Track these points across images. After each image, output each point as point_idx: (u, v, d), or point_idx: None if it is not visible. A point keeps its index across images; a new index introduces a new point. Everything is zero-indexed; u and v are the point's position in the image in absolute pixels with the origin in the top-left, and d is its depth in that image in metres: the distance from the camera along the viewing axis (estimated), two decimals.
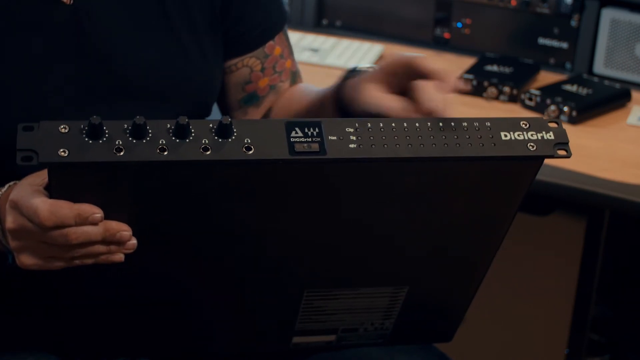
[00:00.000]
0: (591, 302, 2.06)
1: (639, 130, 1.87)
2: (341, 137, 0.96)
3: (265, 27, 1.35)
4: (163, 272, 1.08)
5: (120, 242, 0.99)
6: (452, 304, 1.22)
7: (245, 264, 1.08)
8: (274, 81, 1.37)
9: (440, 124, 0.99)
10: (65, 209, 0.95)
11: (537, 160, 1.00)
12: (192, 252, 1.05)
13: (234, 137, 0.94)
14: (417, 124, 0.98)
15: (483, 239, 1.11)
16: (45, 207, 0.96)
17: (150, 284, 1.09)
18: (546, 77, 2.05)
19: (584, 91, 1.92)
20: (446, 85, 1.04)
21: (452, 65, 2.10)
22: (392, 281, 1.15)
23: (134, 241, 0.99)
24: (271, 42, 1.36)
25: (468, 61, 2.10)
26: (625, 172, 1.72)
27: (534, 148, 0.99)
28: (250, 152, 0.94)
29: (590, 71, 2.07)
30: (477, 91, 1.97)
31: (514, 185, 1.04)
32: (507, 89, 1.95)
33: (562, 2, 2.06)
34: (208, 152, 0.93)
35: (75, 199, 0.96)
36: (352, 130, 0.97)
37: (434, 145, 0.97)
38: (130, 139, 0.92)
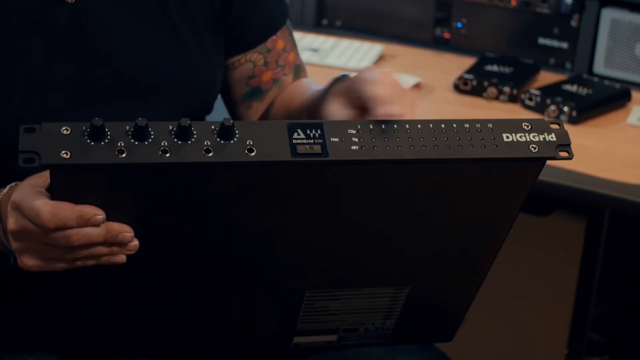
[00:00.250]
0: (591, 302, 2.06)
1: (639, 130, 1.86)
2: (343, 139, 0.96)
3: (266, 24, 1.35)
4: (164, 272, 1.07)
5: (122, 244, 0.99)
6: (453, 305, 1.22)
7: (246, 265, 1.08)
8: (277, 75, 1.37)
9: (442, 126, 0.99)
10: (67, 210, 0.95)
11: (539, 162, 1.00)
12: (194, 253, 1.05)
13: (236, 139, 0.94)
14: (419, 126, 0.98)
15: (484, 239, 1.11)
16: (47, 208, 0.96)
17: (152, 285, 1.09)
18: (546, 77, 2.05)
19: (584, 91, 1.92)
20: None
21: (452, 65, 2.10)
22: (394, 282, 1.15)
23: (135, 242, 0.99)
24: (274, 37, 1.36)
25: (468, 61, 2.10)
26: (625, 172, 1.72)
27: (536, 150, 0.99)
28: (252, 153, 0.94)
29: (590, 71, 2.07)
30: (477, 91, 1.96)
31: (515, 186, 1.04)
32: (507, 89, 1.95)
33: (562, 2, 2.06)
34: (210, 154, 0.93)
35: (77, 200, 0.96)
36: (354, 131, 0.97)
37: (435, 147, 0.97)
38: (132, 140, 0.92)
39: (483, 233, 1.10)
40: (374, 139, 0.97)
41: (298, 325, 1.18)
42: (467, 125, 0.99)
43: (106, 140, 0.92)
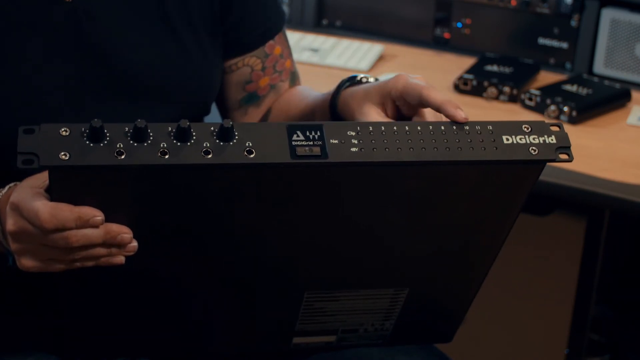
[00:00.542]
0: (591, 302, 2.06)
1: (639, 130, 1.86)
2: (343, 141, 0.96)
3: (265, 28, 1.35)
4: (163, 273, 1.07)
5: (121, 245, 0.99)
6: (453, 305, 1.22)
7: (245, 266, 1.08)
8: (275, 80, 1.38)
9: (442, 128, 0.99)
10: (66, 211, 0.95)
11: (539, 164, 1.00)
12: (193, 254, 1.05)
13: (235, 141, 0.94)
14: (418, 128, 0.98)
15: (484, 241, 1.11)
16: (46, 209, 0.95)
17: (151, 285, 1.09)
18: (546, 77, 2.05)
19: (584, 91, 1.92)
20: (454, 117, 1.03)
21: (452, 65, 2.10)
22: (393, 283, 1.15)
23: (134, 243, 0.99)
24: (271, 42, 1.36)
25: (468, 61, 2.10)
26: (625, 172, 1.72)
27: (536, 152, 0.99)
28: (252, 155, 0.93)
29: (590, 71, 2.07)
30: (477, 91, 1.97)
31: (515, 188, 1.04)
32: (507, 89, 1.95)
33: (562, 2, 2.06)
34: (209, 156, 0.93)
35: (76, 201, 0.96)
36: (353, 133, 0.97)
37: (435, 149, 0.97)
38: (131, 142, 0.92)
39: (483, 235, 1.10)
40: (373, 141, 0.96)
41: (297, 325, 1.18)
42: (467, 127, 0.99)
43: (105, 142, 0.92)
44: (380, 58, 2.14)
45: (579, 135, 1.82)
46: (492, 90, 1.96)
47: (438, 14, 2.18)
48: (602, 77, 2.03)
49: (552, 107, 1.87)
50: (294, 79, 1.41)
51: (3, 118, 1.16)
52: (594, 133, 1.85)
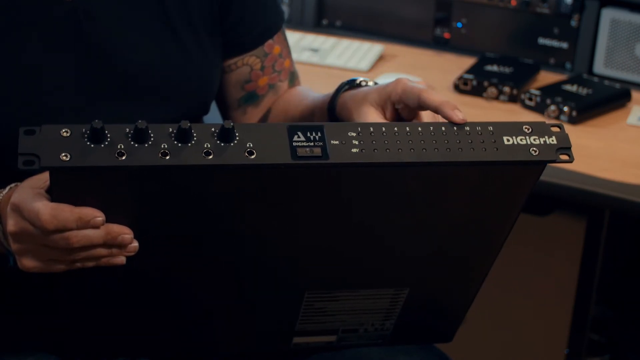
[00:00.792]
0: (591, 302, 2.06)
1: (639, 130, 1.86)
2: (343, 142, 0.96)
3: (264, 27, 1.35)
4: (164, 273, 1.07)
5: (121, 245, 0.99)
6: (453, 305, 1.22)
7: (246, 266, 1.08)
8: (273, 80, 1.38)
9: (443, 129, 0.99)
10: (66, 212, 0.95)
11: (539, 165, 1.00)
12: (193, 254, 1.05)
13: (236, 142, 0.94)
14: (419, 129, 0.98)
15: (484, 242, 1.11)
16: (46, 210, 0.95)
17: (151, 285, 1.09)
18: (546, 77, 2.05)
19: (584, 91, 1.92)
20: (451, 118, 1.04)
21: (452, 65, 2.10)
22: (393, 283, 1.15)
23: (135, 244, 0.99)
24: (270, 41, 1.36)
25: (468, 61, 2.10)
26: (625, 172, 1.72)
27: (537, 153, 0.99)
28: (253, 156, 0.93)
29: (590, 71, 2.07)
30: (477, 91, 1.96)
31: (515, 189, 1.04)
32: (507, 89, 1.95)
33: (562, 2, 2.06)
34: (210, 157, 0.93)
35: (76, 202, 0.96)
36: (354, 134, 0.97)
37: (436, 150, 0.97)
38: (132, 143, 0.92)
39: (483, 235, 1.10)
40: (374, 142, 0.96)
41: (297, 325, 1.18)
42: (467, 128, 0.99)
43: (106, 143, 0.92)
44: (380, 58, 2.14)
45: (579, 135, 1.82)
46: (492, 90, 1.96)
47: (438, 14, 2.18)
48: (602, 77, 2.03)
49: (552, 107, 1.87)
50: (293, 79, 1.41)
51: (3, 118, 1.16)
52: (594, 133, 1.85)
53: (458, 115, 1.02)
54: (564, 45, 2.09)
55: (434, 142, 0.98)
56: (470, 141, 0.98)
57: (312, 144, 0.95)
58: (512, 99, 1.95)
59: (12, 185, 1.08)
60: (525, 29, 2.12)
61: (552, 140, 0.99)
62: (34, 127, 0.92)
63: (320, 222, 1.03)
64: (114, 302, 1.11)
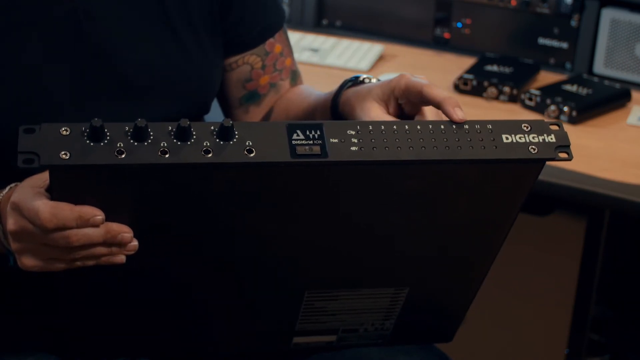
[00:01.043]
0: (591, 302, 2.06)
1: (639, 130, 1.86)
2: (342, 140, 0.96)
3: (265, 26, 1.35)
4: (164, 272, 1.07)
5: (121, 244, 0.99)
6: (453, 305, 1.22)
7: (245, 265, 1.08)
8: (275, 79, 1.38)
9: (442, 127, 0.99)
10: (66, 211, 0.95)
11: (538, 163, 1.00)
12: (193, 253, 1.05)
13: (235, 140, 0.94)
14: (418, 127, 0.98)
15: (484, 240, 1.11)
16: (46, 209, 0.96)
17: (151, 285, 1.09)
18: (546, 77, 2.05)
19: (584, 91, 1.92)
20: (451, 115, 1.04)
21: (452, 65, 2.10)
22: (393, 282, 1.15)
23: (135, 243, 0.99)
24: (271, 40, 1.36)
25: (468, 61, 2.10)
26: (625, 172, 1.72)
27: (535, 151, 0.99)
28: (252, 154, 0.94)
29: (590, 71, 2.07)
30: (477, 91, 1.97)
31: (515, 187, 1.04)
32: (507, 89, 1.95)
33: (562, 2, 2.06)
34: (209, 155, 0.93)
35: (76, 200, 0.96)
36: (353, 132, 0.97)
37: (435, 148, 0.97)
38: (131, 141, 0.92)
39: (483, 234, 1.10)
40: (373, 140, 0.97)
41: (297, 325, 1.18)
42: (466, 126, 0.99)
43: (105, 141, 0.92)
44: (380, 58, 2.14)
45: (579, 135, 1.82)
46: (492, 90, 1.96)
47: (438, 14, 2.18)
48: (602, 77, 2.03)
49: (552, 107, 1.87)
50: (294, 78, 1.41)
51: (3, 117, 1.16)
52: (594, 133, 1.85)
53: (458, 114, 1.02)
54: (564, 45, 2.09)
55: (433, 140, 0.98)
56: (469, 139, 0.98)
57: (311, 142, 0.95)
58: (512, 99, 1.95)
59: (12, 184, 1.08)
60: (525, 29, 2.12)
61: (551, 139, 0.99)
62: (33, 125, 0.92)
63: (319, 221, 1.03)
64: (114, 302, 1.11)
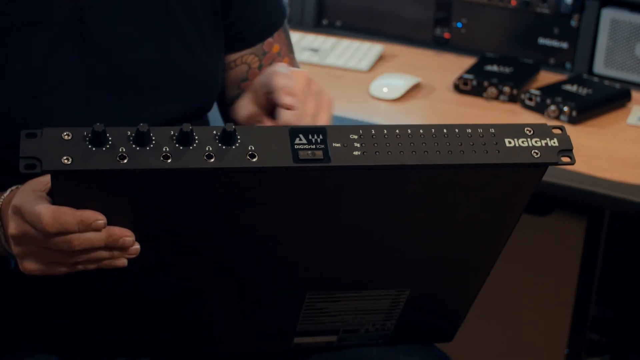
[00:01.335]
0: (591, 302, 2.06)
1: (639, 130, 1.86)
2: (345, 144, 0.96)
3: (265, 24, 1.35)
4: (165, 274, 1.08)
5: (123, 248, 0.99)
6: (454, 306, 1.22)
7: (247, 268, 1.08)
8: None
9: (445, 131, 0.99)
10: (68, 215, 0.95)
11: (540, 168, 1.00)
12: (195, 256, 1.05)
13: (237, 145, 0.94)
14: (421, 131, 0.98)
15: (485, 243, 1.11)
16: (48, 213, 0.95)
17: (153, 286, 1.09)
18: (546, 77, 2.05)
19: (584, 91, 1.92)
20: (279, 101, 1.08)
21: (452, 65, 2.10)
22: (394, 284, 1.15)
23: (137, 246, 0.99)
24: (270, 40, 1.36)
25: (468, 61, 2.10)
26: (625, 172, 1.72)
27: (538, 155, 0.99)
28: (254, 159, 0.93)
29: (590, 71, 2.07)
30: (477, 91, 1.96)
31: (517, 191, 1.04)
32: (507, 89, 1.95)
33: (562, 2, 2.06)
34: (212, 160, 0.93)
35: (78, 205, 0.96)
36: (356, 137, 0.96)
37: (438, 153, 0.97)
38: (133, 146, 0.92)
39: (484, 237, 1.10)
40: (375, 144, 0.96)
41: (298, 326, 1.18)
42: (469, 130, 0.99)
43: (107, 146, 0.92)
44: (380, 58, 2.14)
45: (579, 135, 1.82)
46: (492, 90, 1.95)
47: (438, 14, 2.18)
48: (602, 77, 2.02)
49: (552, 107, 1.87)
50: None
51: (8, 117, 1.16)
52: (594, 133, 1.85)
53: (284, 100, 1.07)
54: (564, 45, 2.09)
55: (435, 144, 0.97)
56: (472, 143, 0.98)
57: (313, 146, 0.95)
58: (512, 99, 1.95)
59: (13, 187, 1.08)
60: (525, 29, 2.12)
61: (554, 143, 0.99)
62: (35, 130, 0.92)
63: (321, 224, 1.03)
64: (115, 303, 1.11)
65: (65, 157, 0.91)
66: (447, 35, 2.19)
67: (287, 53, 1.39)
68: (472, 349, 2.07)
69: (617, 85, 1.96)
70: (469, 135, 0.99)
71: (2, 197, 1.07)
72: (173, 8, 1.24)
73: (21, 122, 0.99)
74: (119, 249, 0.99)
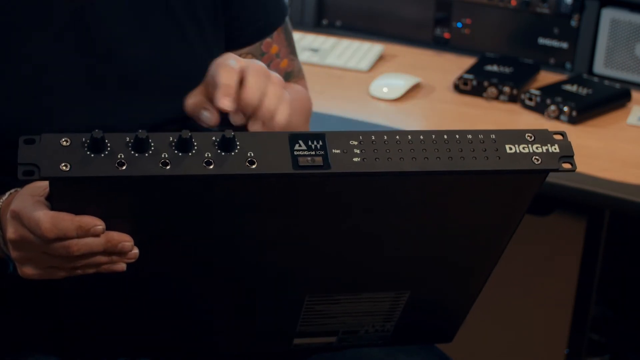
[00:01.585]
0: (591, 302, 2.06)
1: (639, 130, 1.86)
2: (345, 151, 0.95)
3: (264, 23, 1.34)
4: (165, 278, 1.07)
5: (121, 253, 0.99)
6: (454, 308, 1.22)
7: (246, 273, 1.08)
8: None
9: (445, 137, 0.98)
10: (66, 221, 0.95)
11: (541, 174, 1.00)
12: (195, 261, 1.05)
13: (236, 151, 0.94)
14: (421, 137, 0.97)
15: (486, 248, 1.11)
16: (46, 219, 0.95)
17: (152, 289, 1.09)
18: (546, 77, 2.04)
19: (584, 91, 1.92)
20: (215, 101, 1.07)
21: (452, 66, 2.09)
22: (394, 286, 1.15)
23: (135, 251, 0.99)
24: (269, 40, 1.35)
25: (468, 61, 2.09)
26: (625, 172, 1.72)
27: (539, 161, 0.98)
28: (254, 166, 0.93)
29: (590, 71, 2.07)
30: (477, 91, 1.96)
31: (517, 196, 1.03)
32: (507, 89, 1.95)
33: (562, 2, 2.06)
34: (211, 166, 0.92)
35: (76, 210, 0.96)
36: (356, 143, 0.96)
37: (438, 159, 0.97)
38: (132, 152, 0.92)
39: (484, 242, 1.10)
40: (375, 151, 0.96)
41: (298, 327, 1.18)
42: (469, 136, 0.99)
43: (106, 152, 0.91)
44: (380, 58, 2.14)
45: (579, 135, 1.82)
46: (492, 90, 1.95)
47: (438, 14, 2.18)
48: (602, 77, 2.02)
49: (552, 107, 1.87)
50: (288, 78, 1.40)
51: (9, 116, 1.16)
52: (594, 133, 1.85)
53: (221, 102, 1.05)
54: (564, 45, 2.09)
55: (435, 150, 0.97)
56: (472, 149, 0.98)
57: (313, 152, 0.95)
58: (512, 99, 1.95)
59: (12, 190, 1.08)
60: (525, 29, 2.12)
61: (555, 149, 0.99)
62: (33, 135, 0.92)
63: (321, 230, 1.03)
64: (115, 304, 1.11)
65: (63, 164, 0.90)
66: (447, 35, 2.18)
67: (287, 54, 1.39)
68: (472, 349, 2.07)
69: (617, 85, 1.96)
70: (470, 141, 0.98)
71: (1, 200, 1.07)
72: (174, 8, 1.24)
73: (21, 122, 0.99)
74: (117, 254, 0.99)
